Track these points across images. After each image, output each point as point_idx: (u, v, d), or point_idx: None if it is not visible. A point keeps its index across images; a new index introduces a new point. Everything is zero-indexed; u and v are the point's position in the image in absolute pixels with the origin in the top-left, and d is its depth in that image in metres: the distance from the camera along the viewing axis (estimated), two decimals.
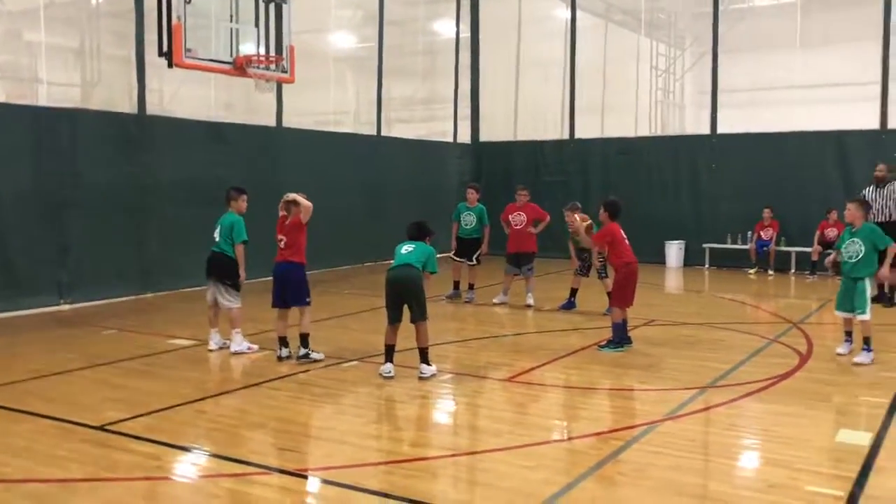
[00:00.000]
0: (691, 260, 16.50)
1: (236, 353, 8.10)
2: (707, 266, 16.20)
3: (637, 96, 19.21)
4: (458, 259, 11.75)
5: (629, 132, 18.16)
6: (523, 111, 19.67)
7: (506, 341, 9.08)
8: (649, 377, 7.25)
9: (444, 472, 5.04)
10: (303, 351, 7.71)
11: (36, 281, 10.72)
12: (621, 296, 8.39)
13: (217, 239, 8.29)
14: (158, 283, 12.18)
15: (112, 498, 4.45)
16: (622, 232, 8.49)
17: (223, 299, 8.22)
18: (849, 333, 7.91)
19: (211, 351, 8.26)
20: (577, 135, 18.32)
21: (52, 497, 4.50)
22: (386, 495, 4.50)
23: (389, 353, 7.19)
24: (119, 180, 11.72)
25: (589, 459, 5.15)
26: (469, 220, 11.59)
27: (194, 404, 6.35)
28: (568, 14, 18.21)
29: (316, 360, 7.69)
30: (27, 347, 8.53)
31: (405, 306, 7.12)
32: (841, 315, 7.91)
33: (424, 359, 7.16)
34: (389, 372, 7.11)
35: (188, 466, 5.05)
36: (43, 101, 11.56)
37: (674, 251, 16.52)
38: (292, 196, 7.92)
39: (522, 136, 19.29)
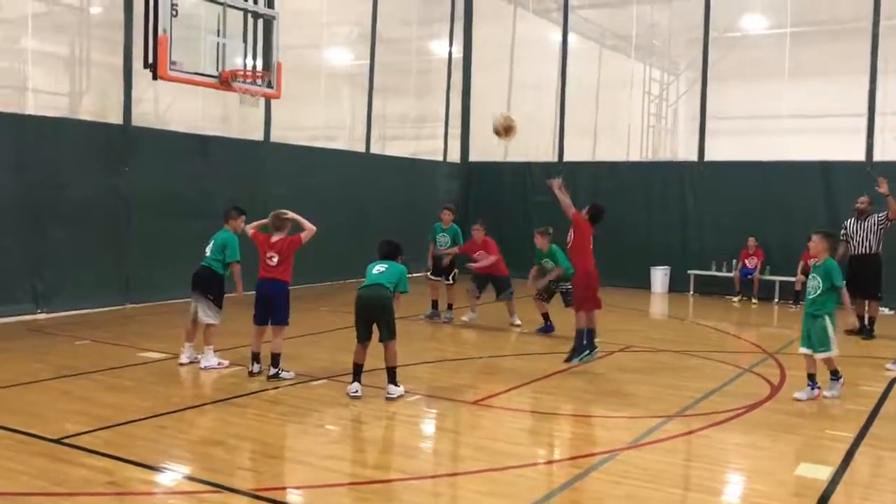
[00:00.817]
0: (676, 286, 16.50)
1: (206, 369, 8.06)
2: (692, 293, 16.20)
3: (629, 121, 19.30)
4: (434, 278, 11.78)
5: (620, 156, 18.21)
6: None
7: (479, 363, 9.06)
8: (617, 404, 7.23)
9: (400, 496, 5.00)
10: (273, 370, 7.65)
11: (12, 289, 10.68)
12: (582, 298, 8.41)
13: (207, 254, 8.30)
14: (138, 294, 12.14)
15: None
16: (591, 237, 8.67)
17: (203, 314, 8.19)
18: (812, 377, 7.50)
19: (182, 364, 8.23)
20: (567, 157, 18.38)
21: None
22: None
23: (357, 372, 7.17)
24: (102, 191, 11.72)
25: (545, 487, 5.13)
26: (444, 240, 11.72)
27: (156, 419, 6.31)
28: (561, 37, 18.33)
29: (285, 380, 7.64)
30: None
31: (374, 325, 7.10)
32: (802, 352, 7.56)
33: (392, 379, 7.14)
34: (356, 392, 7.09)
35: (139, 483, 5.00)
36: (31, 110, 11.57)
37: (659, 277, 16.54)
38: (291, 215, 7.93)
39: (512, 157, 19.36)
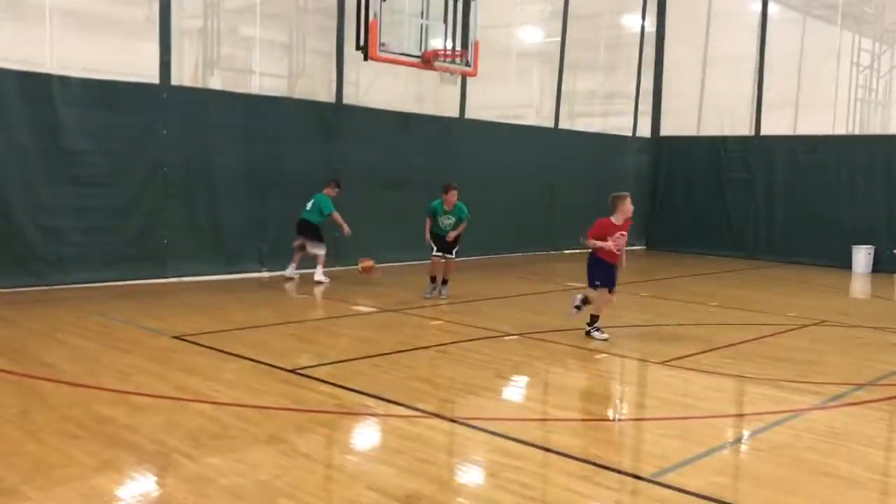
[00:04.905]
0: (881, 266, 15.68)
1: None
2: None
3: (836, 93, 18.37)
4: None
5: (824, 130, 17.42)
6: (708, 107, 19.37)
7: (667, 329, 9.24)
8: (807, 371, 7.25)
9: (586, 433, 5.45)
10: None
11: (242, 249, 12.11)
12: None
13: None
14: (346, 257, 13.28)
15: (299, 423, 5.26)
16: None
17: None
18: None
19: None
20: (765, 132, 17.85)
21: (251, 417, 5.37)
22: (524, 443, 5.00)
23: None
24: (315, 163, 12.89)
25: (728, 435, 5.39)
26: None
27: (371, 359, 7.15)
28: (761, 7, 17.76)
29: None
30: (233, 305, 9.76)
31: None
32: None
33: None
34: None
35: (361, 406, 5.78)
36: (255, 90, 12.95)
37: (862, 256, 15.77)
38: None
39: (705, 132, 19.04)
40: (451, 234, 10.47)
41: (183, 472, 4.39)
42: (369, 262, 11.96)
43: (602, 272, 8.22)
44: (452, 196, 10.40)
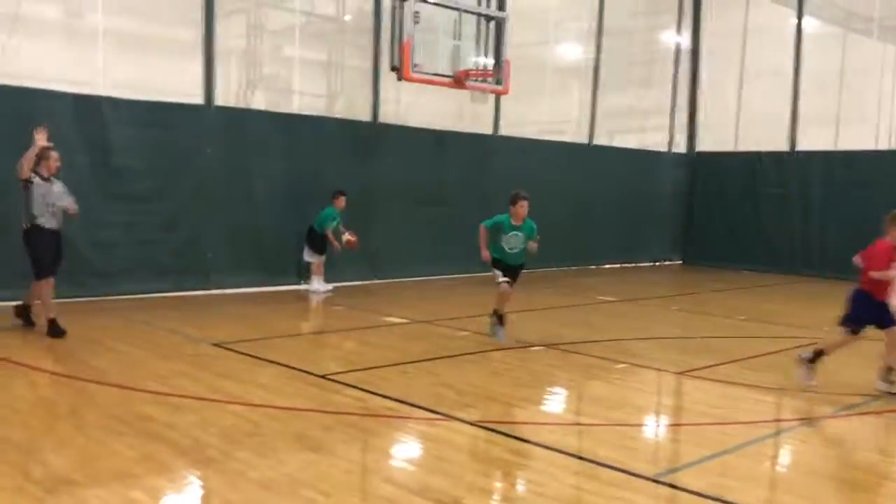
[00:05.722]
0: None
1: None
2: None
3: (879, 108, 18.29)
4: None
5: (866, 145, 17.36)
6: (745, 122, 19.41)
7: (693, 342, 9.39)
8: (826, 382, 7.33)
9: (600, 436, 5.67)
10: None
11: (281, 263, 12.53)
12: None
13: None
14: (382, 271, 13.67)
15: (326, 424, 5.58)
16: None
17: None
18: None
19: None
20: (805, 147, 17.84)
21: (280, 417, 5.72)
22: (537, 444, 5.25)
23: None
24: (352, 179, 13.25)
25: (737, 440, 5.56)
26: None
27: (400, 366, 7.46)
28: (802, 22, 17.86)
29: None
30: (271, 315, 10.17)
31: None
32: None
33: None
34: None
35: (386, 409, 6.08)
36: (295, 109, 13.43)
37: None
38: None
39: (742, 148, 19.07)
40: (532, 245, 8.62)
41: (216, 465, 4.74)
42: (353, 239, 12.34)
43: (867, 308, 6.86)
44: (522, 208, 8.55)
